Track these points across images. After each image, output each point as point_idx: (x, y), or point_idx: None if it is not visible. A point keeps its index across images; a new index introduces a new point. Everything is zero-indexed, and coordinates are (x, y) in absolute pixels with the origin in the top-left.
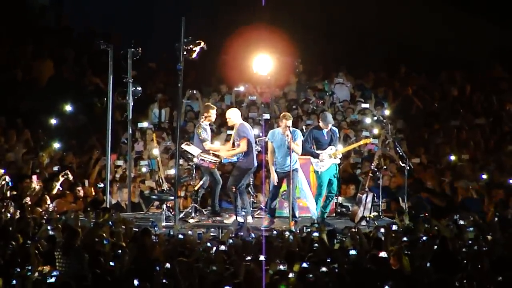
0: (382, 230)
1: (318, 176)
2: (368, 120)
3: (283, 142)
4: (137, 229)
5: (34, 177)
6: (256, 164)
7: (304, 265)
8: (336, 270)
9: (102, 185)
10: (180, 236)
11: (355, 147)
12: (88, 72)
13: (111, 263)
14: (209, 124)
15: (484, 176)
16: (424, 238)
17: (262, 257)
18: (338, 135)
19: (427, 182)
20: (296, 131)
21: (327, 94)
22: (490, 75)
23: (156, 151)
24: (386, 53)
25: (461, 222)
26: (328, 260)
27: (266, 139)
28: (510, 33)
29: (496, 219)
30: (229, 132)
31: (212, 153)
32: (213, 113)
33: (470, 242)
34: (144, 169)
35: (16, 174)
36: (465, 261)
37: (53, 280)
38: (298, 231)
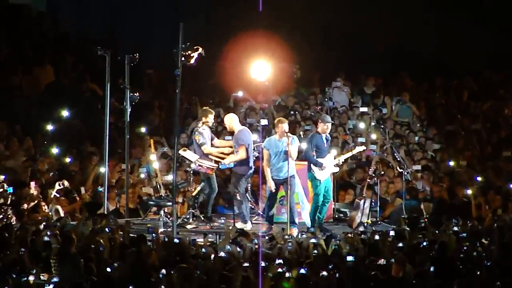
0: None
1: (316, 185)
2: (363, 126)
3: (280, 149)
4: (134, 235)
5: (32, 184)
6: (252, 169)
7: (302, 271)
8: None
9: (101, 189)
10: (176, 240)
11: (352, 154)
12: (86, 78)
13: (108, 269)
14: (209, 128)
15: (479, 179)
16: (424, 243)
17: (260, 264)
18: (330, 142)
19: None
20: (293, 136)
21: (326, 99)
22: (487, 80)
23: (153, 157)
24: (383, 59)
25: (455, 229)
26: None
27: (262, 146)
28: (506, 38)
29: (495, 224)
30: (227, 138)
31: (212, 159)
32: (211, 117)
33: (465, 248)
34: (142, 175)
35: (15, 180)
36: (463, 267)
37: (51, 287)
38: (295, 237)
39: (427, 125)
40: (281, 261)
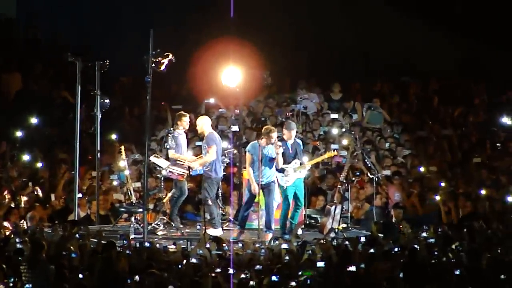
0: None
1: (283, 191)
2: (336, 131)
3: (265, 155)
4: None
5: (6, 192)
6: (221, 174)
7: (274, 278)
8: (308, 282)
9: (80, 195)
10: (147, 244)
11: (322, 160)
12: (58, 85)
13: (80, 276)
14: (184, 132)
15: (443, 184)
16: (396, 249)
17: (230, 270)
18: (302, 148)
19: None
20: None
21: (296, 105)
22: (457, 86)
23: (123, 163)
24: (354, 65)
25: (424, 234)
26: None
27: (246, 150)
28: (477, 45)
29: (465, 230)
30: (198, 143)
31: (181, 165)
32: (186, 121)
33: (435, 253)
34: (115, 182)
35: None
36: (433, 272)
37: None
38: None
39: (398, 131)
40: (259, 266)
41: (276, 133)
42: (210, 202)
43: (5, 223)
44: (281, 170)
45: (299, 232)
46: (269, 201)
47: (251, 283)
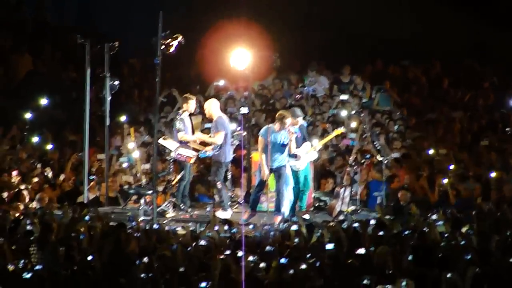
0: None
1: (294, 175)
2: (345, 113)
3: (278, 140)
4: (114, 224)
5: (14, 173)
6: (230, 157)
7: (283, 260)
8: (317, 265)
9: (93, 177)
10: (155, 226)
11: (330, 139)
12: (67, 67)
13: (89, 258)
14: (190, 115)
15: (452, 167)
16: (406, 232)
17: (240, 253)
18: (306, 129)
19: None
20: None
21: (305, 88)
22: (467, 70)
23: (133, 145)
24: (364, 47)
25: (434, 217)
26: (308, 256)
27: (259, 135)
28: (486, 28)
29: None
30: (207, 125)
31: (190, 147)
32: (192, 103)
33: (446, 236)
34: (124, 164)
35: None
36: (443, 255)
37: (29, 276)
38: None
39: (407, 113)
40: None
41: (290, 119)
42: (219, 185)
43: (15, 205)
44: (293, 155)
45: (307, 216)
46: (280, 185)
47: (261, 265)
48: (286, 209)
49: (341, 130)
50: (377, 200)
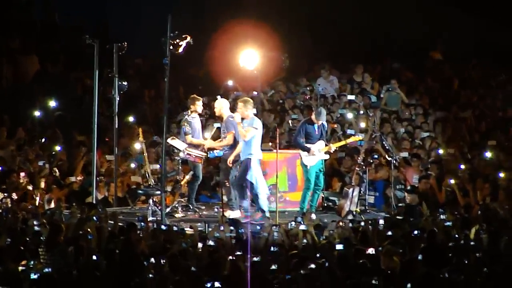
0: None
1: (306, 170)
2: (351, 115)
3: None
4: (123, 224)
5: (22, 174)
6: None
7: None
8: (326, 265)
9: (99, 178)
10: (163, 227)
11: (347, 143)
12: (74, 68)
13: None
14: (199, 115)
15: (462, 166)
16: (416, 232)
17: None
18: (326, 130)
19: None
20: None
21: (315, 88)
22: (477, 70)
23: (141, 146)
24: (372, 47)
25: (442, 217)
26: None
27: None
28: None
29: (479, 212)
30: (216, 125)
31: (199, 147)
32: (199, 105)
33: (456, 236)
34: (132, 165)
35: (3, 169)
36: (452, 255)
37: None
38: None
39: (415, 113)
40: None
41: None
42: (227, 184)
43: (23, 206)
44: (307, 149)
45: (314, 216)
46: (243, 176)
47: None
48: (264, 202)
49: (359, 137)
50: (384, 200)
